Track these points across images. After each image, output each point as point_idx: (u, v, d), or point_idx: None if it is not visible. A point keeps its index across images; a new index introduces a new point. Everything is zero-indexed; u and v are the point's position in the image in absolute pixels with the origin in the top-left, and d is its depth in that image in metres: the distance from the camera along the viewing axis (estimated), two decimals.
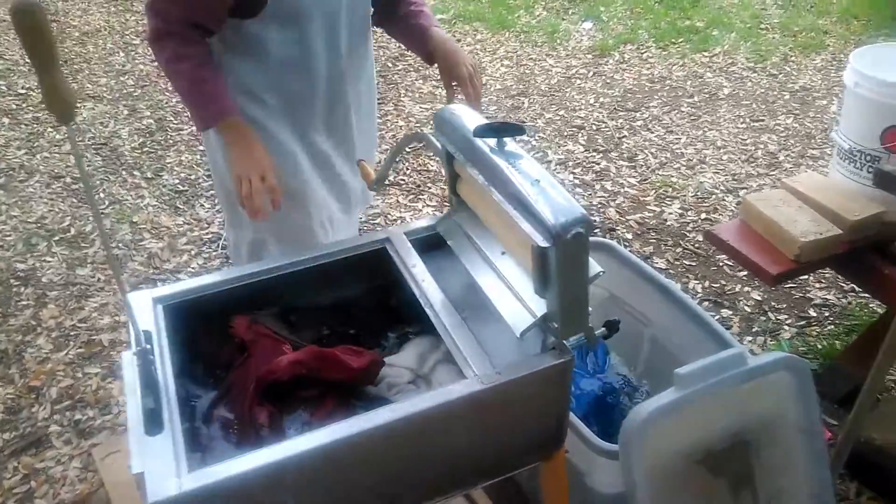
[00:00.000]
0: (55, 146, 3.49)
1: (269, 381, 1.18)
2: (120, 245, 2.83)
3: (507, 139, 1.11)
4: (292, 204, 1.63)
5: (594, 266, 1.11)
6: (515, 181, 1.04)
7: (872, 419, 1.86)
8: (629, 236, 2.81)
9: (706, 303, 2.47)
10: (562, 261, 0.99)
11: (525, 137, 1.17)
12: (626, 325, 1.79)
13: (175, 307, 1.25)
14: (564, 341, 1.10)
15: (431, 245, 1.36)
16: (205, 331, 1.29)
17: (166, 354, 1.13)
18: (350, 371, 1.18)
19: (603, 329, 1.14)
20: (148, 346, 1.08)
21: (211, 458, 1.11)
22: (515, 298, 1.14)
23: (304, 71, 1.55)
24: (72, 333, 2.44)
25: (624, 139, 3.46)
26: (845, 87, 1.89)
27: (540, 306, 1.09)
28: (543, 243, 0.98)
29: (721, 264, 2.64)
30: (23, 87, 4.02)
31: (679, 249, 2.73)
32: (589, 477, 1.37)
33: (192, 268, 2.72)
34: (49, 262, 2.78)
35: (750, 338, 2.31)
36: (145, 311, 1.20)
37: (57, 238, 2.90)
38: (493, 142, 1.11)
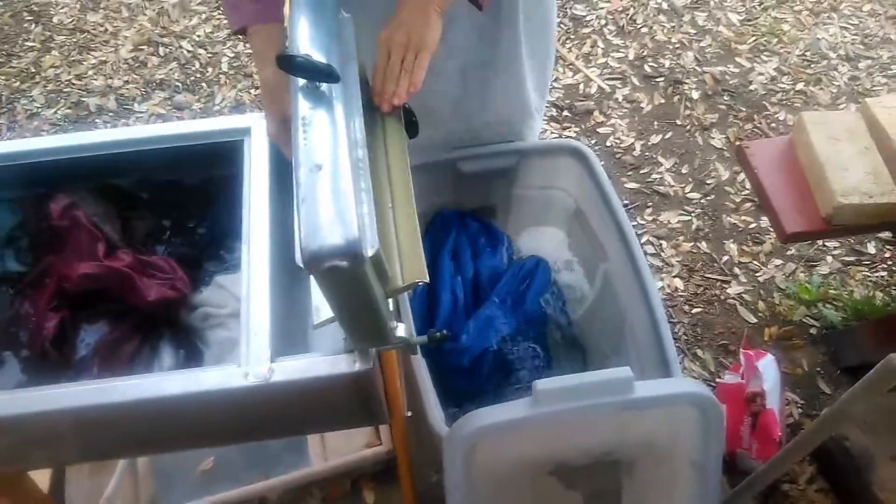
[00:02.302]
0: None
1: (63, 287, 1.04)
2: None
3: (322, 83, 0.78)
4: None
5: (412, 272, 0.84)
6: (297, 159, 0.74)
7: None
8: (695, 95, 2.29)
9: (748, 203, 2.06)
10: (325, 287, 0.74)
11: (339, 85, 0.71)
12: (586, 251, 1.50)
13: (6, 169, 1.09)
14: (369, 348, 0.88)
15: None
16: (34, 200, 1.13)
17: None
18: (143, 301, 1.02)
19: (422, 338, 0.90)
20: None
21: None
22: None
23: None
24: (65, 90, 2.35)
25: None
26: None
27: None
28: (299, 262, 0.72)
29: None
30: None
31: (749, 126, 2.22)
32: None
33: (198, 35, 2.49)
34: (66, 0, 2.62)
35: (779, 261, 1.93)
36: None
37: None
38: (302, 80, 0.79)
